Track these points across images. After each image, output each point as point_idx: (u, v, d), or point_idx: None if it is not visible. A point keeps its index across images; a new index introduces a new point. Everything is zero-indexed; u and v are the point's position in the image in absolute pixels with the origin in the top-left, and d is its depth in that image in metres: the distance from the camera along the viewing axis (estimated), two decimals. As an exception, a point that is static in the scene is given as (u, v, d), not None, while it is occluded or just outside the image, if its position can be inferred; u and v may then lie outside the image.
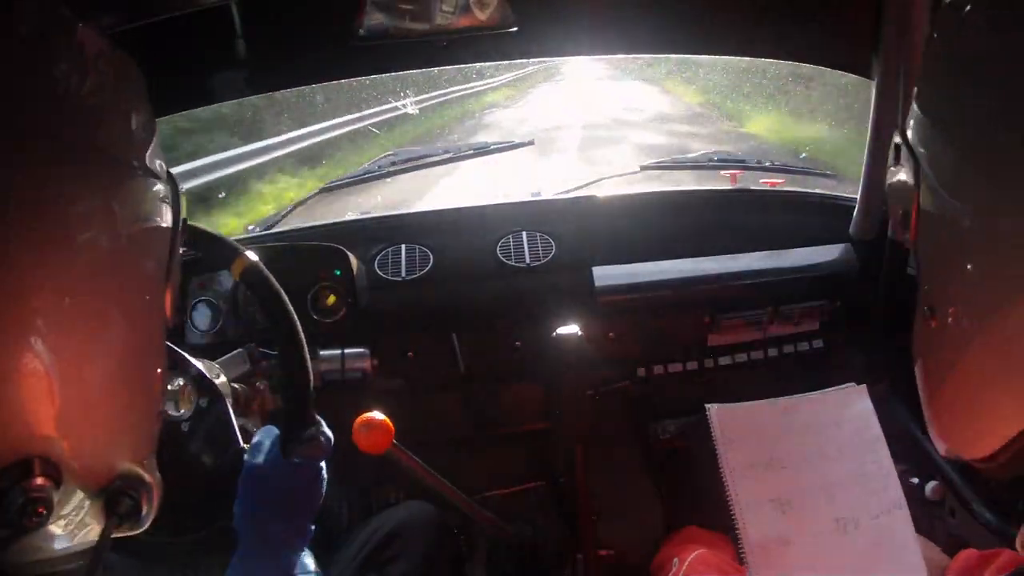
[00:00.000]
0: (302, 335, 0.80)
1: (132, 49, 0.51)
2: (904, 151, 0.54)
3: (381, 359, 1.07)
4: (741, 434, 0.86)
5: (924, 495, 1.12)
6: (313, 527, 0.75)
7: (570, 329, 1.11)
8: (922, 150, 0.52)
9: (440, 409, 1.35)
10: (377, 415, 0.88)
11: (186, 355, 0.87)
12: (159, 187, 0.51)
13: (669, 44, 1.46)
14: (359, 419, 0.88)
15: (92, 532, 0.49)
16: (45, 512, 0.43)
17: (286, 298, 0.80)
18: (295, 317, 0.80)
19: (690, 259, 1.32)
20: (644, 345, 1.32)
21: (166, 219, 0.52)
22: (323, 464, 0.78)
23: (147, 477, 0.51)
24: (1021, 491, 0.64)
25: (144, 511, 0.51)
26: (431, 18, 1.18)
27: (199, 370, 0.87)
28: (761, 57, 1.50)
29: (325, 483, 0.77)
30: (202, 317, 1.21)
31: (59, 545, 0.48)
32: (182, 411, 0.88)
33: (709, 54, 1.50)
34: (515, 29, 1.16)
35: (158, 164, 0.51)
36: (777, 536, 0.80)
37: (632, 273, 1.30)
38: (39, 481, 0.42)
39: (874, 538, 0.79)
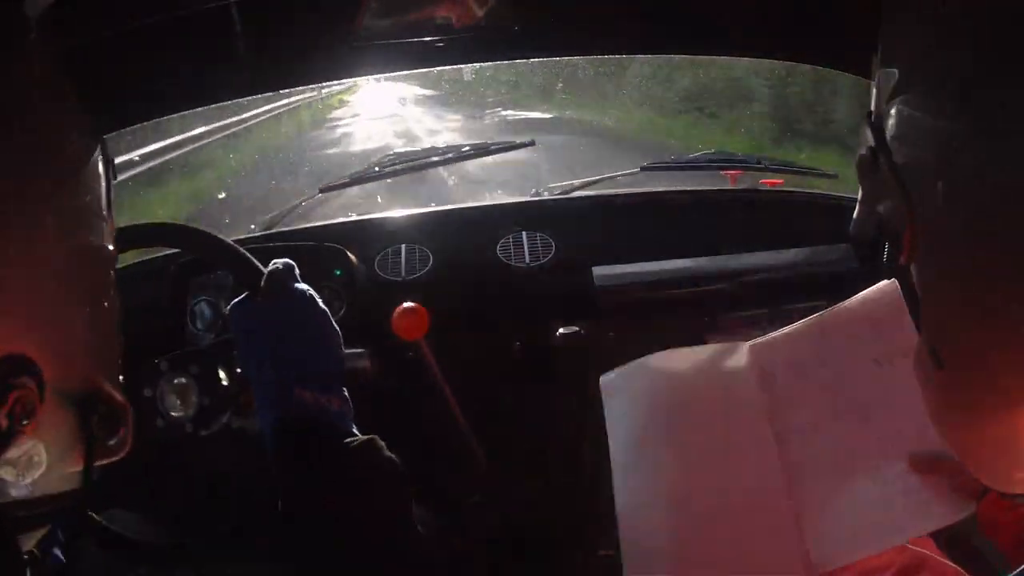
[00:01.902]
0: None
1: (130, 49, 0.52)
2: (882, 155, 0.47)
3: (381, 359, 1.07)
4: (779, 366, 0.74)
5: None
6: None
7: (571, 329, 1.11)
8: (907, 150, 0.45)
9: (440, 409, 1.35)
10: (410, 303, 0.99)
11: (188, 354, 0.87)
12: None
13: (668, 44, 1.45)
14: (396, 309, 0.99)
15: (76, 465, 0.49)
16: (31, 411, 0.43)
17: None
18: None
19: (690, 259, 1.32)
20: (644, 345, 1.32)
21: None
22: (302, 286, 0.72)
23: (118, 396, 0.52)
24: None
25: (122, 429, 0.52)
26: (430, 18, 1.18)
27: (194, 365, 0.87)
28: (761, 57, 1.50)
29: (316, 302, 0.72)
30: (202, 317, 1.21)
31: (44, 480, 0.47)
32: (186, 411, 0.88)
33: (708, 54, 1.50)
34: (515, 29, 1.16)
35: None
36: None
37: (632, 273, 1.30)
38: (23, 378, 0.43)
39: None
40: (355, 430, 0.66)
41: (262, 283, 0.73)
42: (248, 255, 0.79)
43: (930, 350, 0.47)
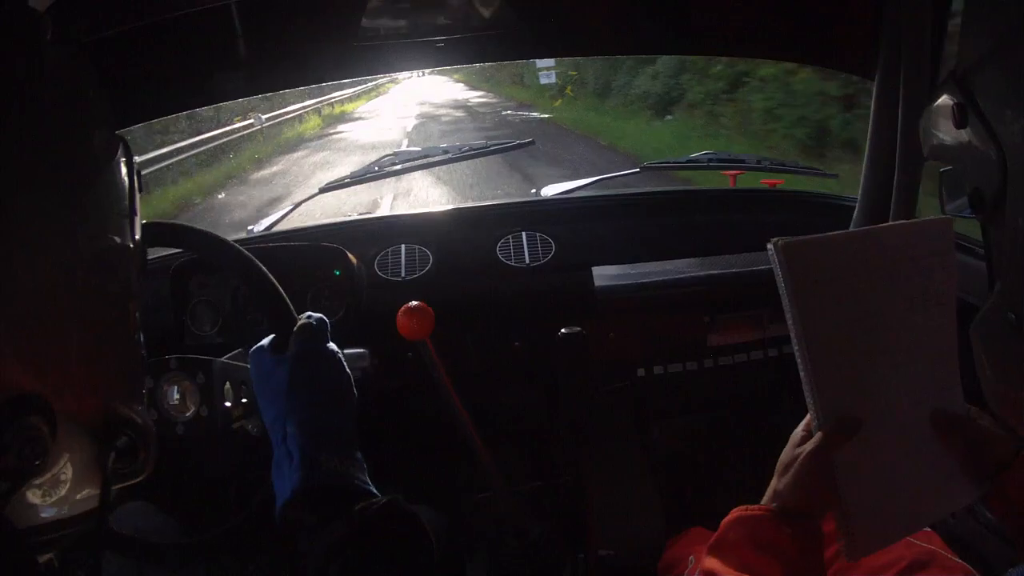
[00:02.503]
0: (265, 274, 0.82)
1: (131, 50, 0.51)
2: (972, 113, 0.46)
3: (381, 359, 1.07)
4: (815, 272, 0.66)
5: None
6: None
7: (572, 329, 1.11)
8: (1003, 106, 0.44)
9: (439, 409, 1.35)
10: (415, 302, 0.97)
11: (199, 361, 0.87)
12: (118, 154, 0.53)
13: (668, 44, 1.46)
14: (401, 309, 0.96)
15: (96, 488, 0.49)
16: (42, 452, 0.43)
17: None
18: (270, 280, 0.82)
19: (690, 259, 1.32)
20: (644, 345, 1.32)
21: (121, 173, 0.54)
22: (332, 347, 0.73)
23: (139, 419, 0.51)
24: None
25: (142, 454, 0.51)
26: (431, 18, 1.18)
27: (201, 374, 0.87)
28: (760, 57, 1.50)
29: (342, 364, 0.73)
30: (202, 317, 1.21)
31: (61, 505, 0.48)
32: (182, 414, 0.88)
33: (708, 54, 1.50)
34: (515, 29, 1.16)
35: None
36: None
37: (632, 273, 1.30)
38: (32, 419, 0.43)
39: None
40: (373, 489, 0.66)
41: (293, 332, 0.74)
42: (284, 298, 0.80)
43: (1007, 311, 0.46)
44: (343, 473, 0.65)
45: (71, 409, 0.46)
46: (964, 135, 0.48)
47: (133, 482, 0.52)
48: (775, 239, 0.66)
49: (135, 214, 0.54)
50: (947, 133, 0.49)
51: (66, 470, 0.47)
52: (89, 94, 0.51)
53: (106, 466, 0.49)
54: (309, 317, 0.75)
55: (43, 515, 0.47)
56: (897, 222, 0.74)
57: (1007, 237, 0.47)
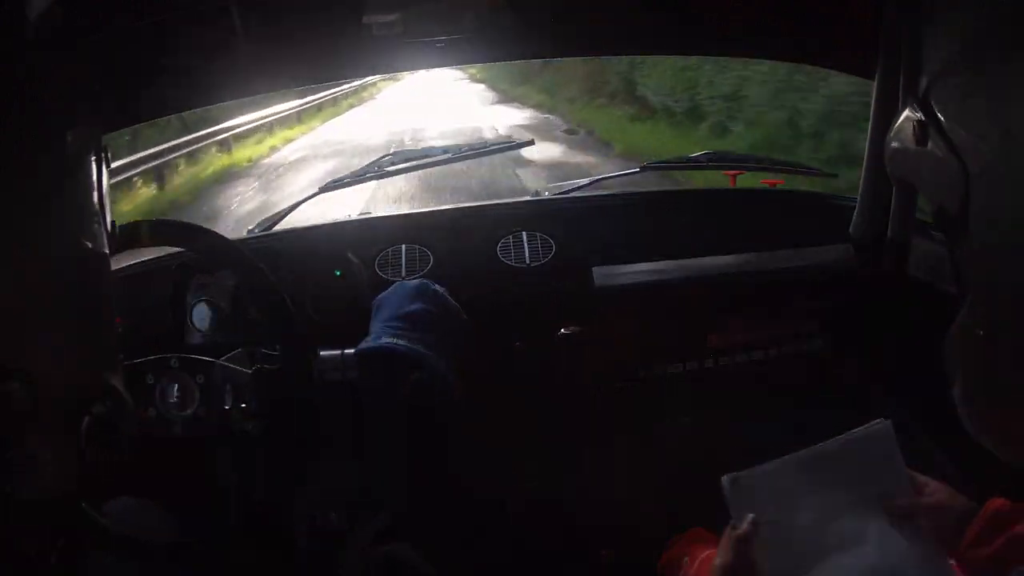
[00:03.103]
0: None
1: (132, 50, 0.52)
2: (933, 130, 0.46)
3: None
4: (761, 500, 0.80)
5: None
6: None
7: (572, 329, 1.11)
8: (963, 123, 0.44)
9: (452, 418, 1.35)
10: None
11: (201, 362, 0.87)
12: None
13: (668, 44, 1.46)
14: None
15: (72, 458, 0.50)
16: (21, 416, 0.43)
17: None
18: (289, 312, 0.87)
19: (690, 259, 1.32)
20: (644, 345, 1.32)
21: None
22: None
23: (118, 391, 0.52)
24: None
25: (122, 423, 0.52)
26: (432, 18, 1.18)
27: (202, 375, 0.87)
28: (760, 58, 1.50)
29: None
30: (202, 317, 1.21)
31: (42, 485, 0.48)
32: (181, 413, 0.88)
33: (708, 55, 1.51)
34: (515, 29, 1.16)
35: None
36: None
37: (632, 273, 1.30)
38: (13, 385, 0.43)
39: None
40: (420, 349, 0.87)
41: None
42: (284, 297, 0.88)
43: (981, 328, 0.47)
44: (400, 346, 0.86)
45: (46, 375, 0.46)
46: (925, 153, 0.47)
47: (115, 458, 0.52)
48: (725, 477, 0.83)
49: (104, 207, 0.55)
50: (909, 152, 0.49)
51: (46, 445, 0.47)
52: (66, 93, 0.51)
53: (80, 429, 0.49)
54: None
55: (23, 492, 0.47)
56: (838, 438, 0.81)
57: (971, 255, 0.47)
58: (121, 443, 0.53)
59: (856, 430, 0.80)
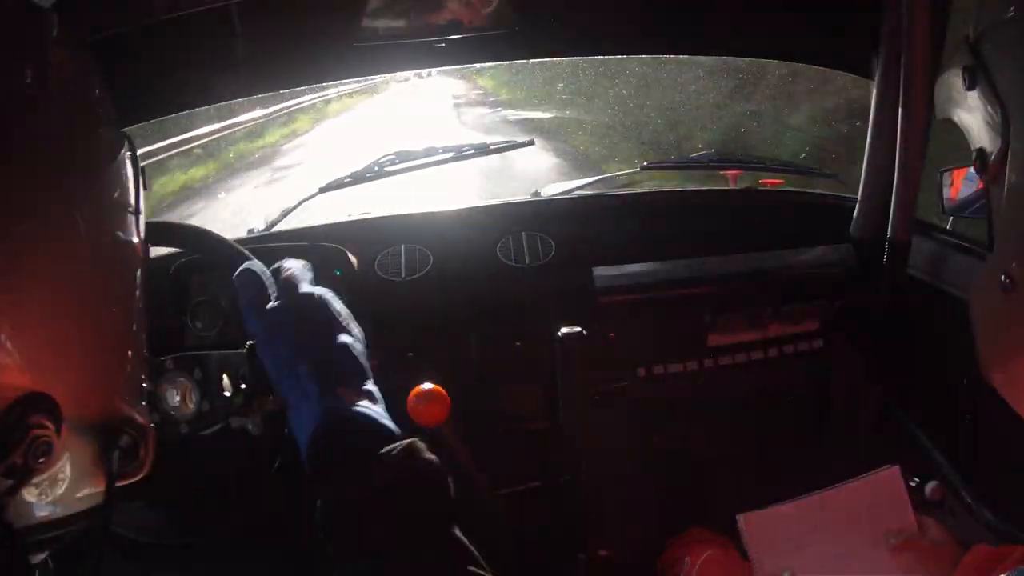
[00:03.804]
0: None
1: (131, 51, 0.52)
2: (981, 76, 0.49)
3: (381, 359, 1.07)
4: (775, 540, 0.85)
5: (924, 495, 1.12)
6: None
7: (572, 329, 1.11)
8: (1010, 72, 0.47)
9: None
10: (429, 385, 0.83)
11: (194, 357, 0.87)
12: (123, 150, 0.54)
13: (668, 45, 1.46)
14: (413, 392, 0.82)
15: (96, 486, 0.50)
16: (48, 450, 0.43)
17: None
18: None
19: (690, 259, 1.32)
20: (644, 345, 1.32)
21: (127, 170, 0.54)
22: (311, 289, 0.71)
23: (140, 419, 0.52)
24: None
25: (143, 452, 0.52)
26: (430, 19, 1.18)
27: (198, 369, 0.87)
28: (760, 57, 1.50)
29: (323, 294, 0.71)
30: (202, 317, 1.21)
31: (59, 504, 0.48)
32: (184, 413, 0.88)
33: (708, 54, 1.50)
34: (515, 29, 1.16)
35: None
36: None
37: (632, 273, 1.30)
38: (41, 418, 0.43)
39: None
40: (393, 427, 0.64)
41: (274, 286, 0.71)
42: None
43: (1001, 273, 0.48)
44: (360, 405, 0.63)
45: (76, 408, 0.46)
46: (972, 97, 0.50)
47: (131, 480, 0.53)
48: (740, 516, 0.87)
49: (140, 212, 0.54)
50: (957, 95, 0.52)
51: (65, 469, 0.47)
52: (95, 92, 0.51)
53: (110, 465, 0.49)
54: (281, 265, 0.73)
55: (40, 514, 0.47)
56: (849, 482, 0.88)
57: (1006, 197, 0.49)
58: (141, 467, 0.53)
59: (867, 474, 0.86)
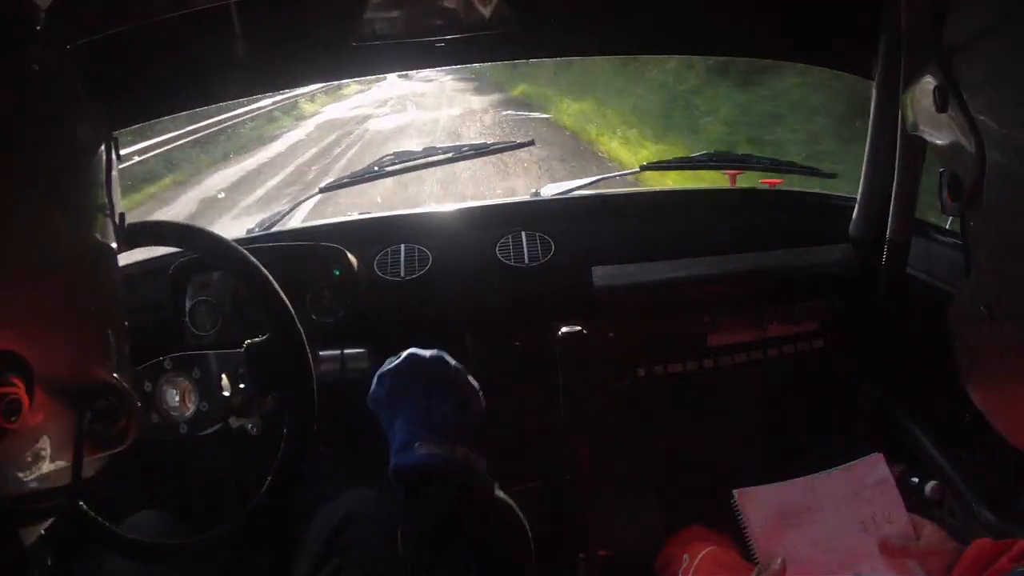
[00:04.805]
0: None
1: (129, 51, 0.52)
2: (952, 97, 0.45)
3: (381, 359, 1.07)
4: (769, 516, 0.89)
5: (924, 495, 1.11)
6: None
7: (573, 329, 1.11)
8: (985, 93, 0.44)
9: None
10: None
11: (193, 357, 0.87)
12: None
13: (668, 44, 1.46)
14: None
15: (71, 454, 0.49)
16: (17, 407, 0.43)
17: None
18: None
19: (690, 259, 1.32)
20: (644, 345, 1.32)
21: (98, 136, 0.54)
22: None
23: (120, 386, 0.52)
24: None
25: (123, 420, 0.52)
26: (430, 18, 1.18)
27: (197, 369, 0.87)
28: (760, 57, 1.50)
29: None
30: (202, 317, 1.21)
31: (40, 477, 0.48)
32: (183, 412, 0.88)
33: (708, 54, 1.50)
34: (515, 29, 1.15)
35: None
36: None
37: (632, 273, 1.30)
38: (9, 375, 0.43)
39: None
40: (497, 489, 0.74)
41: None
42: (283, 298, 0.86)
43: (981, 304, 0.46)
44: (437, 455, 0.72)
45: (48, 368, 0.46)
46: (944, 119, 0.47)
47: (116, 451, 0.52)
48: (735, 491, 0.91)
49: (113, 184, 0.55)
50: (928, 115, 0.48)
51: (44, 440, 0.47)
52: (74, 91, 0.51)
53: (81, 425, 0.49)
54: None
55: (22, 486, 0.47)
56: (833, 470, 0.93)
57: (982, 228, 0.46)
58: (122, 437, 0.52)
59: (851, 463, 0.92)
